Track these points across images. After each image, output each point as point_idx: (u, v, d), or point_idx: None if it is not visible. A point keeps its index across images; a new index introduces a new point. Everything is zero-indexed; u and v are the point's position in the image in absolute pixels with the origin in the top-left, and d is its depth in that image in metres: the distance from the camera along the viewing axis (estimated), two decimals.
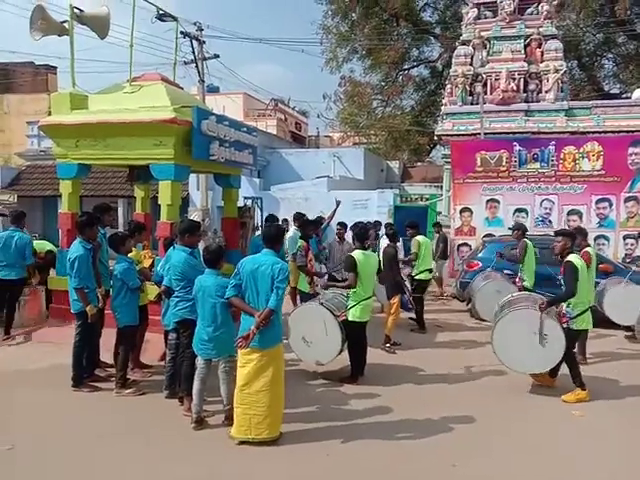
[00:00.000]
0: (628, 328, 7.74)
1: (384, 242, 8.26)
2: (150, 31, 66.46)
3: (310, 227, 7.53)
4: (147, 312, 5.84)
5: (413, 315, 8.32)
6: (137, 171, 7.93)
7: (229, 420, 4.43)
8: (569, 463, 4.08)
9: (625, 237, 10.43)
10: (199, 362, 4.62)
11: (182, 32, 16.61)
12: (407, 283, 7.99)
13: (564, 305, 5.51)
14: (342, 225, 8.54)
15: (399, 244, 8.63)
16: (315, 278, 7.22)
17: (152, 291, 5.65)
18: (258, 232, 10.42)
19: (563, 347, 5.16)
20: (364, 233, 6.14)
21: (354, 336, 5.80)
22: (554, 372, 5.62)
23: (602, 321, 7.23)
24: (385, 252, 7.51)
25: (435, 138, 17.97)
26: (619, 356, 6.95)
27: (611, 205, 10.54)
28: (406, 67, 26.60)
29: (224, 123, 7.39)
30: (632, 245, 10.36)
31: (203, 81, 18.30)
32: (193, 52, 17.84)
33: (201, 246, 5.61)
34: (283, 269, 4.22)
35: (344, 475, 3.88)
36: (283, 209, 14.44)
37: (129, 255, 5.54)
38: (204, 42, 18.28)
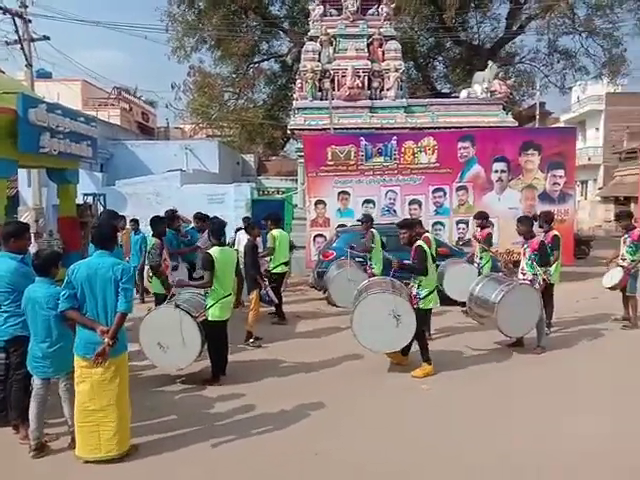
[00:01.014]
0: (463, 304, 8.64)
1: (242, 236, 8.17)
2: None
3: (160, 224, 7.11)
4: None
5: (273, 308, 8.38)
6: None
7: (75, 442, 4.00)
8: (414, 436, 4.39)
9: (458, 222, 11.63)
10: (35, 382, 4.08)
11: (0, 7, 14.64)
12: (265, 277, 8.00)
13: (414, 288, 6.01)
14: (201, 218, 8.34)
15: (259, 238, 8.57)
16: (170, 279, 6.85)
17: None
18: None
19: (414, 326, 5.62)
20: (220, 229, 5.98)
21: (214, 336, 5.63)
22: (406, 351, 6.07)
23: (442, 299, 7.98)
24: (245, 247, 7.44)
25: (288, 132, 18.24)
26: (458, 330, 7.74)
27: (445, 194, 11.65)
28: (256, 60, 26.54)
29: (57, 112, 6.67)
30: (464, 229, 11.58)
31: (31, 65, 16.33)
32: (17, 31, 15.83)
33: (34, 250, 4.98)
34: (126, 269, 3.91)
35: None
36: (131, 205, 13.50)
37: None
38: (30, 21, 16.32)
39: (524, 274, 6.76)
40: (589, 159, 33.42)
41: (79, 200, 8.84)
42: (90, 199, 12.95)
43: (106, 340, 3.74)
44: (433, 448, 4.15)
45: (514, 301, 6.29)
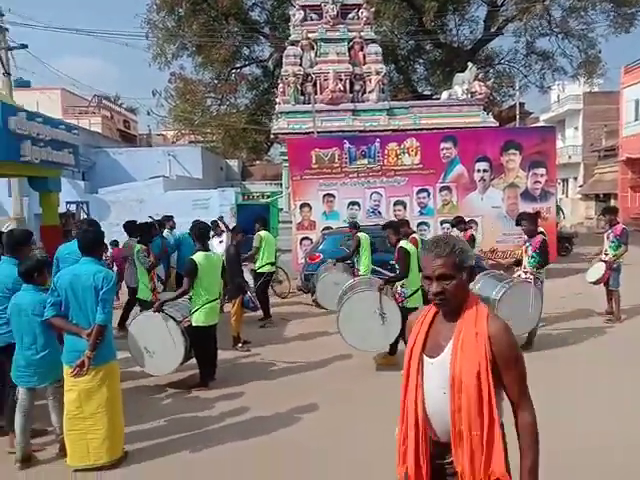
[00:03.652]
0: None
1: (213, 241, 8.21)
2: None
3: (138, 231, 7.06)
4: None
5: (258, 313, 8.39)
6: None
7: (64, 451, 3.94)
8: None
9: (442, 222, 11.70)
10: (20, 393, 4.01)
11: None
12: (251, 281, 7.99)
13: (399, 286, 6.03)
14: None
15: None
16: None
17: None
18: None
19: (400, 324, 5.64)
20: (205, 233, 5.96)
21: (200, 341, 5.59)
22: (393, 350, 6.09)
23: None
24: (226, 252, 7.43)
25: (272, 136, 18.26)
26: None
27: (429, 195, 11.74)
28: (238, 66, 26.54)
29: (37, 120, 6.60)
30: (448, 230, 11.66)
31: (9, 74, 16.13)
32: None
33: None
34: (107, 278, 3.83)
35: None
36: (115, 213, 13.39)
37: None
38: (7, 29, 16.15)
39: (526, 272, 6.72)
40: (569, 157, 33.95)
41: (62, 209, 8.73)
42: (73, 207, 12.80)
43: (86, 352, 3.69)
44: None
45: (515, 298, 6.26)
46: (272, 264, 8.69)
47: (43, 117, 6.98)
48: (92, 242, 4.03)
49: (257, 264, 8.47)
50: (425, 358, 1.94)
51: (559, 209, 23.50)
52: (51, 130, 6.91)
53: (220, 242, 9.36)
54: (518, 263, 7.19)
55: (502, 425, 1.91)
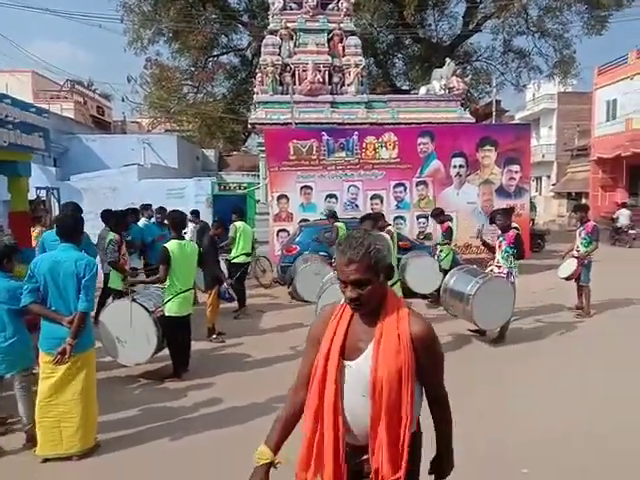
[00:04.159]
0: (424, 295, 8.80)
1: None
2: None
3: (114, 219, 6.91)
4: None
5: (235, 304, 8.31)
6: None
7: (32, 441, 3.85)
8: None
9: (418, 217, 11.80)
10: None
11: None
12: (225, 271, 7.91)
13: None
14: (163, 210, 8.24)
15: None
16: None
17: None
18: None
19: None
20: (180, 222, 5.86)
21: (173, 331, 5.51)
22: None
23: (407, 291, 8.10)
24: (202, 242, 7.32)
25: (249, 126, 18.08)
26: None
27: (406, 189, 11.81)
28: (215, 54, 26.12)
29: (5, 102, 6.37)
30: (424, 224, 11.77)
31: None
32: None
33: None
34: (89, 265, 3.77)
35: (171, 474, 3.67)
36: (87, 201, 13.02)
37: None
38: None
39: (499, 267, 6.79)
40: (543, 156, 34.59)
41: (32, 195, 8.47)
42: (43, 193, 12.46)
43: (67, 339, 3.62)
44: None
45: (489, 294, 6.32)
46: (248, 255, 8.61)
47: (12, 99, 6.74)
48: (72, 228, 3.93)
49: (232, 254, 8.38)
50: (344, 361, 1.85)
51: (533, 206, 24.14)
52: (20, 112, 6.67)
53: (184, 233, 9.23)
54: (488, 247, 7.24)
55: (419, 424, 1.95)
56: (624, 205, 19.92)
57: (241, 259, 8.45)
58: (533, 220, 21.93)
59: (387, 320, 1.83)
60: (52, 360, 3.65)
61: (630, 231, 17.54)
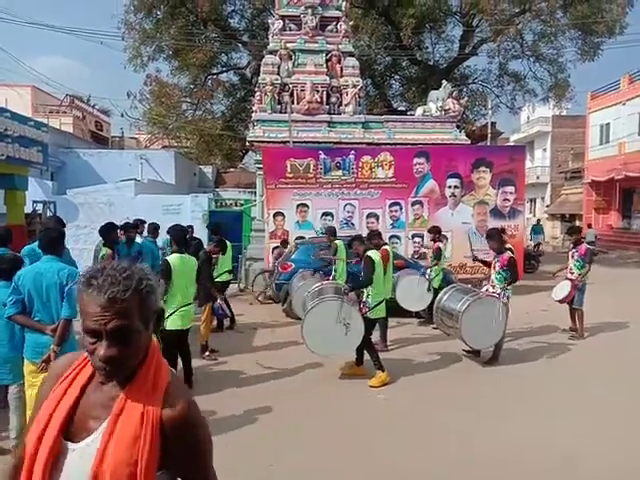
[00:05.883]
0: (418, 315, 8.80)
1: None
2: None
3: (111, 233, 6.92)
4: None
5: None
6: None
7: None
8: (369, 448, 4.42)
9: (413, 236, 11.86)
10: None
11: None
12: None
13: (364, 296, 6.11)
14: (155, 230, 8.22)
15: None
16: None
17: None
18: None
19: (362, 333, 5.77)
20: (182, 236, 5.88)
21: (173, 345, 5.47)
22: (360, 361, 6.10)
23: (400, 310, 8.10)
24: (199, 258, 7.31)
25: (247, 144, 18.19)
26: (413, 340, 7.84)
27: (401, 208, 11.89)
28: (215, 72, 26.41)
29: (5, 115, 6.41)
30: (419, 243, 11.82)
31: None
32: None
33: None
34: (72, 274, 3.80)
35: None
36: (83, 215, 13.09)
37: None
38: None
39: (493, 286, 6.81)
40: (537, 178, 34.91)
41: (28, 208, 8.47)
42: (40, 207, 12.46)
43: (52, 347, 3.62)
44: (390, 460, 4.17)
45: (479, 312, 6.31)
46: (229, 272, 8.58)
47: (11, 112, 6.79)
48: (56, 240, 3.97)
49: (215, 273, 8.30)
50: (66, 443, 1.31)
51: (541, 229, 24.47)
52: (19, 126, 6.72)
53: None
54: (484, 263, 7.38)
55: None
56: (589, 226, 23.87)
57: (224, 277, 8.37)
58: (539, 244, 22.19)
59: (135, 389, 1.34)
60: (37, 368, 3.64)
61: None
